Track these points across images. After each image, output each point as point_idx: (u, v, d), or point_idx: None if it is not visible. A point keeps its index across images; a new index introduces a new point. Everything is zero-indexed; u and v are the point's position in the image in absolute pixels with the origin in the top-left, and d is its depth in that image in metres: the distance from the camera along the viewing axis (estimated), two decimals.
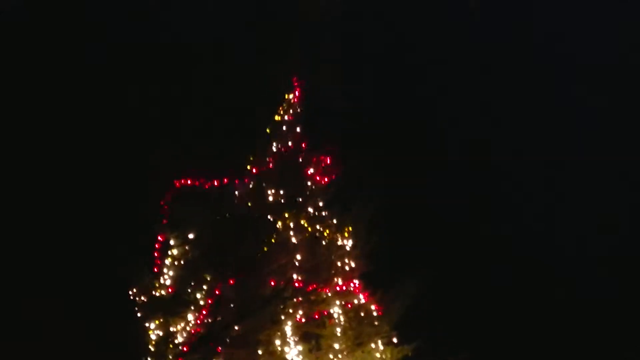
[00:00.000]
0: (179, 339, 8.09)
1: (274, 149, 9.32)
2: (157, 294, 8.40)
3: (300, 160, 9.29)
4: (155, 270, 8.67)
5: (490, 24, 14.33)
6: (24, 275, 10.59)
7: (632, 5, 14.67)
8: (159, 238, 8.82)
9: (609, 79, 14.31)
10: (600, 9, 14.34)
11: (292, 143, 9.33)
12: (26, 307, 10.13)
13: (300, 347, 8.03)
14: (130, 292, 8.61)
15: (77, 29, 12.70)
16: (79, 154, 11.96)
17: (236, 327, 8.04)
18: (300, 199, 8.93)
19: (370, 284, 8.60)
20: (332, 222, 8.91)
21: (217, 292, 8.16)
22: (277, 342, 8.07)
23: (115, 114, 12.08)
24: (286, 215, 8.72)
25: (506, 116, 14.26)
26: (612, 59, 14.43)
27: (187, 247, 8.73)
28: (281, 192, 8.91)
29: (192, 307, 8.20)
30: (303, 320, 8.27)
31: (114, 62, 12.51)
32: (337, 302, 8.40)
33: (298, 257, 8.41)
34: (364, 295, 8.50)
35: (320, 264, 8.50)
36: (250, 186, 9.04)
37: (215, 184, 9.06)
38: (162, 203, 9.12)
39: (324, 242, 8.71)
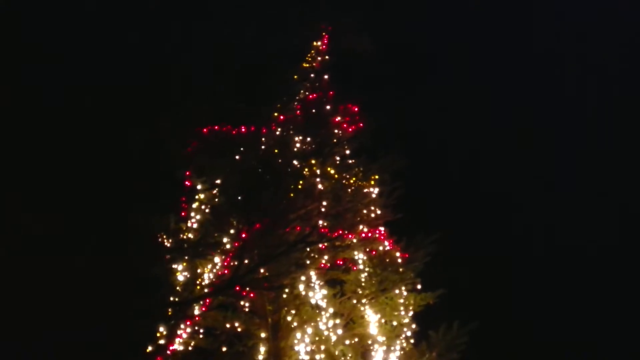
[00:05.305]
0: (206, 281, 8.17)
1: (301, 96, 9.29)
2: (185, 237, 8.44)
3: (328, 108, 9.26)
4: (183, 214, 8.71)
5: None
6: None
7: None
8: (186, 183, 8.85)
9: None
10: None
11: (320, 90, 9.29)
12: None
13: (324, 292, 8.06)
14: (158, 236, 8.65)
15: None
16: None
17: (262, 271, 8.08)
18: (327, 147, 8.92)
19: (396, 232, 8.61)
20: (359, 170, 8.92)
21: (243, 236, 8.20)
22: (301, 286, 8.11)
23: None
24: (312, 162, 8.73)
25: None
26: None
27: (214, 192, 8.75)
28: (308, 139, 8.91)
29: (219, 250, 8.26)
30: (328, 265, 8.31)
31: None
32: (362, 249, 8.42)
33: (324, 203, 8.41)
34: (389, 242, 8.53)
35: (346, 210, 8.51)
36: (277, 133, 9.04)
37: (243, 130, 9.04)
38: (188, 150, 9.11)
39: (349, 190, 8.72)
